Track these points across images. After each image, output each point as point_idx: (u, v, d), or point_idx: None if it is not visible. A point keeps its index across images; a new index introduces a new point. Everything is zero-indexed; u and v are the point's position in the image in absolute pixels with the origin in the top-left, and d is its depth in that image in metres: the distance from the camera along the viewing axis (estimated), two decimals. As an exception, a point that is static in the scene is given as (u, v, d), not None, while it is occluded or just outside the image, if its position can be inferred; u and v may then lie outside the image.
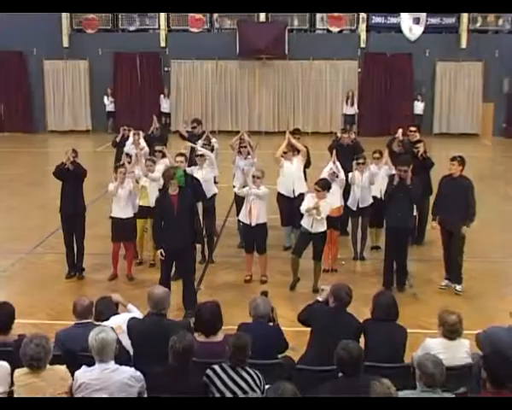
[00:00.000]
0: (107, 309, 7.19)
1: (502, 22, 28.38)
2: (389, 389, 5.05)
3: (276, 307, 7.20)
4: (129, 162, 11.88)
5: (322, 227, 10.72)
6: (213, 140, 13.43)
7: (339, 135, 13.45)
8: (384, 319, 6.81)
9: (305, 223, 10.70)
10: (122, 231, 11.29)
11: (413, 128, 13.75)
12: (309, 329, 7.12)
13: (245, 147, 12.74)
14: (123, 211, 11.26)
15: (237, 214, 11.99)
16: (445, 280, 11.03)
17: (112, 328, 6.13)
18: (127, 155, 12.63)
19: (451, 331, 6.45)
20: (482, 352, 6.30)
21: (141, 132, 13.97)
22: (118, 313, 7.24)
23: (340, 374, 5.72)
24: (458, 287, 10.85)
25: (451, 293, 10.76)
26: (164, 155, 12.31)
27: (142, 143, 13.59)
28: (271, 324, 7.03)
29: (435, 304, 9.88)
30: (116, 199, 11.25)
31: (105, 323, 6.68)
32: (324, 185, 10.70)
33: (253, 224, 11.01)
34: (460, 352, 6.43)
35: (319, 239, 10.77)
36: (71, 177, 11.15)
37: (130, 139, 13.74)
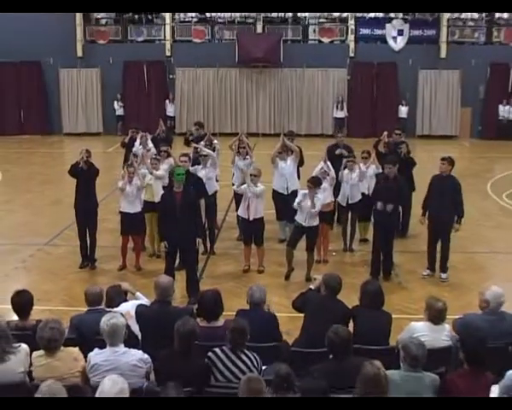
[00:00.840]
0: (117, 296, 7.18)
1: (477, 35, 28.41)
2: (379, 370, 5.04)
3: (271, 295, 7.20)
4: (136, 162, 11.86)
5: (315, 222, 10.72)
6: (215, 141, 13.38)
7: (338, 152, 13.07)
8: (371, 305, 6.80)
9: (300, 218, 10.70)
10: (130, 224, 11.30)
11: (398, 131, 13.75)
12: (302, 315, 7.12)
13: (243, 148, 12.77)
14: (131, 206, 11.26)
15: (236, 210, 11.98)
16: (427, 270, 11.04)
17: (121, 314, 6.14)
18: (135, 155, 12.60)
19: (437, 317, 6.45)
20: (459, 336, 6.30)
21: (148, 134, 13.90)
22: (127, 301, 7.24)
23: (331, 356, 5.73)
24: (444, 275, 10.89)
25: (433, 282, 10.78)
26: (169, 155, 12.28)
27: (150, 144, 13.54)
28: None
29: (418, 292, 9.93)
30: (125, 195, 11.24)
31: (115, 309, 6.68)
32: (315, 182, 10.70)
33: (251, 218, 11.01)
34: (441, 335, 6.43)
35: (312, 232, 10.77)
36: (84, 175, 11.14)
37: (138, 140, 13.68)
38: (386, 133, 13.16)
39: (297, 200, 10.72)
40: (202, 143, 12.82)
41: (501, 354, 6.25)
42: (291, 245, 10.93)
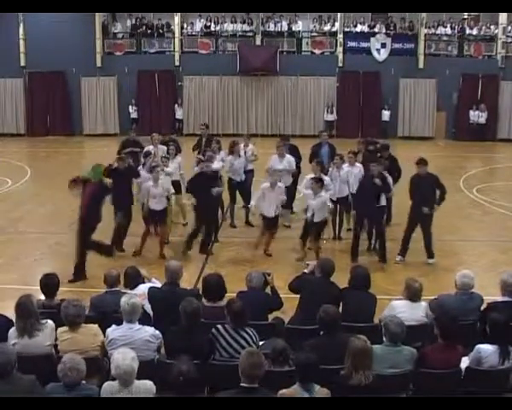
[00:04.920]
0: (136, 275, 7.13)
1: (451, 48, 28.39)
2: (366, 343, 5.06)
3: (273, 276, 7.20)
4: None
5: (321, 217, 10.75)
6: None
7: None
8: (359, 287, 6.78)
9: (309, 214, 10.75)
10: (156, 218, 11.25)
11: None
12: (295, 295, 7.11)
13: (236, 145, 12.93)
14: (158, 204, 11.06)
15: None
16: (399, 256, 11.04)
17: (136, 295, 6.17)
18: (147, 154, 12.52)
19: (415, 296, 6.48)
20: (434, 314, 6.31)
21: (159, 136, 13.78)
22: (143, 283, 7.21)
23: (322, 332, 5.73)
24: (431, 260, 10.89)
25: (411, 266, 10.68)
26: (176, 154, 12.38)
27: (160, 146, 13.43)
28: (269, 286, 7.04)
29: (398, 275, 9.89)
30: (152, 195, 11.03)
31: (133, 291, 6.71)
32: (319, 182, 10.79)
33: (272, 215, 11.08)
34: (419, 312, 6.45)
35: (320, 226, 10.82)
36: (122, 175, 10.99)
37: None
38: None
39: (304, 192, 10.98)
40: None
41: (470, 329, 6.29)
42: (305, 237, 10.99)
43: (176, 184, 12.22)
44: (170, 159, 12.01)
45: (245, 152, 13.22)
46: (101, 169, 10.42)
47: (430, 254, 10.93)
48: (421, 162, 10.75)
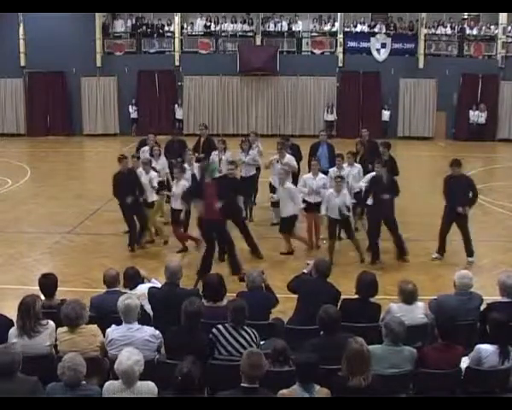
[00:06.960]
0: (135, 275, 7.13)
1: (451, 48, 28.42)
2: (362, 346, 5.03)
3: (266, 274, 7.23)
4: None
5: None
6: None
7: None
8: (365, 294, 6.64)
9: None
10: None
11: (364, 130, 13.81)
12: (293, 295, 7.11)
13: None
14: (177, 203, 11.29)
15: None
16: (436, 253, 11.02)
17: (136, 295, 6.16)
18: (144, 162, 12.32)
19: (409, 298, 6.45)
20: (434, 314, 6.30)
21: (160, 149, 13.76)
22: (143, 283, 7.21)
23: (322, 332, 5.73)
24: (470, 259, 10.82)
25: (409, 266, 10.65)
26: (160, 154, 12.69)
27: (162, 158, 13.36)
28: (264, 284, 7.06)
29: (397, 275, 9.84)
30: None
31: (133, 291, 6.70)
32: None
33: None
34: (416, 313, 6.42)
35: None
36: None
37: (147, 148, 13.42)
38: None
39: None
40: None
41: (469, 329, 6.29)
42: (334, 237, 11.04)
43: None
44: (154, 159, 12.31)
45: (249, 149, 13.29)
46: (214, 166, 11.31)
47: (469, 253, 10.88)
48: (455, 164, 10.79)
